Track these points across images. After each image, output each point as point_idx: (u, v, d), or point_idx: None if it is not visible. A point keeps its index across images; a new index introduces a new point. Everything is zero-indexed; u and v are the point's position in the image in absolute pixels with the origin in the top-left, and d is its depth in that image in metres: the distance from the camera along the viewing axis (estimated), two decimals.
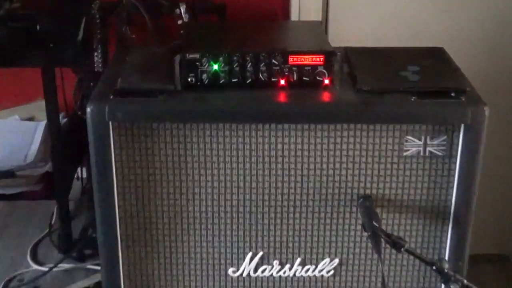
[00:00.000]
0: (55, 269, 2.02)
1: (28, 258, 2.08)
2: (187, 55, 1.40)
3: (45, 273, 2.01)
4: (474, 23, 1.98)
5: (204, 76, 1.41)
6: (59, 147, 2.00)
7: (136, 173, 1.45)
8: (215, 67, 1.41)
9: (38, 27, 1.80)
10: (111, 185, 1.44)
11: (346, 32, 1.98)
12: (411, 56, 1.56)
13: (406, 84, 1.43)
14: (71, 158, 2.05)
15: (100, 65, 1.95)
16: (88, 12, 1.88)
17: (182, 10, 1.88)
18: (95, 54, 1.91)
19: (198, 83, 1.41)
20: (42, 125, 2.22)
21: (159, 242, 1.49)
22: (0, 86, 2.22)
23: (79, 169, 2.22)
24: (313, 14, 1.96)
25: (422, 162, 1.43)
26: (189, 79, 1.41)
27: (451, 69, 1.52)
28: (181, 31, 1.74)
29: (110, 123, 1.39)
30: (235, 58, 1.41)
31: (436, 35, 1.98)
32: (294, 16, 2.01)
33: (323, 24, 1.95)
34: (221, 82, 1.42)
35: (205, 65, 1.40)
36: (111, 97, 1.39)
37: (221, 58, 1.40)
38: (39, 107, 2.14)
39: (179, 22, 1.90)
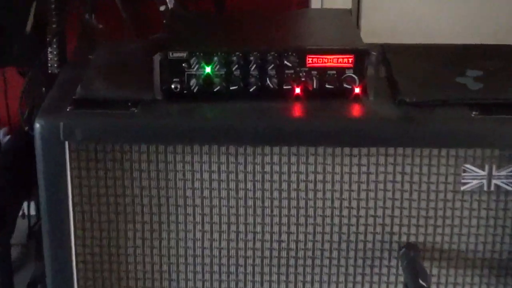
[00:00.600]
0: None
1: None
2: (171, 53, 1.38)
3: None
4: None
5: (193, 81, 1.39)
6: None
7: (101, 211, 1.43)
8: (208, 69, 1.38)
9: None
10: (66, 225, 1.42)
11: (384, 24, 1.97)
12: (472, 57, 1.55)
13: (465, 94, 1.41)
14: (14, 189, 2.03)
15: (55, 66, 1.93)
16: None
17: None
18: (49, 50, 1.90)
19: (185, 91, 1.39)
20: None
21: (121, 271, 1.47)
22: None
23: (25, 204, 2.20)
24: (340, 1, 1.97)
25: (486, 200, 1.41)
26: (172, 86, 1.39)
27: None
28: (164, 21, 1.72)
29: (67, 143, 1.37)
30: (234, 58, 1.39)
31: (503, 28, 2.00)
32: (314, 3, 2.01)
33: (354, 13, 1.94)
34: (215, 90, 1.39)
35: (195, 67, 1.38)
36: (68, 109, 1.37)
37: (215, 58, 1.38)
38: None
39: (162, 8, 1.88)
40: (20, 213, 2.18)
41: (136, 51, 1.54)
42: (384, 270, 1.45)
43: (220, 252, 1.46)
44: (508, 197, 1.40)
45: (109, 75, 1.49)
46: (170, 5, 1.89)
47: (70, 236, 1.42)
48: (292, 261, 1.45)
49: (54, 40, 1.89)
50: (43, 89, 1.90)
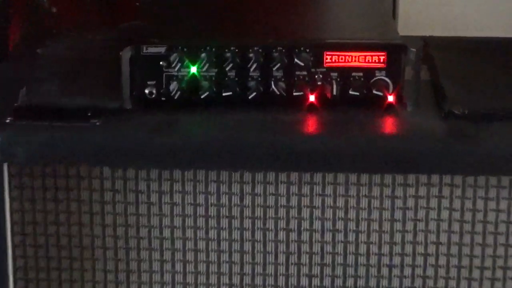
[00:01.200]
0: None
1: None
2: (145, 47, 1.38)
3: None
4: None
5: (174, 85, 1.39)
6: None
7: (49, 256, 1.43)
8: (193, 69, 1.38)
9: None
10: (3, 265, 1.42)
11: (429, 10, 1.92)
12: None
13: None
14: None
15: None
16: None
17: None
18: None
19: (163, 98, 1.39)
20: None
21: None
22: None
23: None
24: None
25: None
26: (147, 91, 1.39)
27: None
28: (137, 4, 1.73)
29: (6, 165, 1.37)
30: (228, 54, 1.39)
31: None
32: None
33: None
34: (203, 96, 1.39)
35: (176, 66, 1.38)
36: (7, 121, 1.36)
37: (203, 55, 1.38)
38: None
39: None
40: None
41: (99, 44, 1.54)
42: None
43: None
44: None
45: (63, 75, 1.47)
46: None
47: (8, 279, 1.43)
48: None
49: None
50: None
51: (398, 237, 1.43)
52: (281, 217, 1.42)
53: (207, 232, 1.43)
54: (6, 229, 1.39)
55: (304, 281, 1.45)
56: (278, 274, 1.45)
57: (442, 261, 1.44)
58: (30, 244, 1.43)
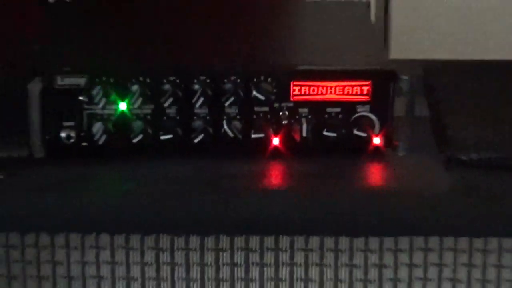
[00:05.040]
0: None
1: None
2: (59, 79, 1.21)
3: None
4: None
5: (98, 126, 1.22)
6: None
7: None
8: (122, 106, 1.22)
9: None
10: None
11: (427, 28, 1.83)
12: None
13: None
14: None
15: None
16: None
17: None
18: None
19: (84, 144, 1.23)
20: None
21: None
22: None
23: None
24: None
25: None
26: (63, 135, 1.22)
27: None
28: (49, 19, 1.57)
29: None
30: (167, 86, 1.22)
31: None
32: None
33: (379, 9, 1.82)
34: (134, 141, 1.22)
35: (100, 101, 1.22)
36: None
37: (135, 87, 1.21)
38: None
39: None
40: None
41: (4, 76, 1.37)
42: None
43: None
44: None
45: None
46: None
47: None
48: None
49: None
50: None
51: None
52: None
53: None
54: None
55: None
56: None
57: None
58: None
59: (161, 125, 1.26)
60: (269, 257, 1.25)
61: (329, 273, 1.27)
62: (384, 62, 1.33)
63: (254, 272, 1.27)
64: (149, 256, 1.27)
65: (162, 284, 1.28)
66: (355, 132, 1.26)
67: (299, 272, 1.27)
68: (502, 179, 1.24)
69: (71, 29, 1.48)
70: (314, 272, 1.28)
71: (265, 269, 1.27)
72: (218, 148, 1.27)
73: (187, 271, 1.28)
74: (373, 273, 1.27)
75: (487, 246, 1.24)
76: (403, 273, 1.27)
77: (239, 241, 1.25)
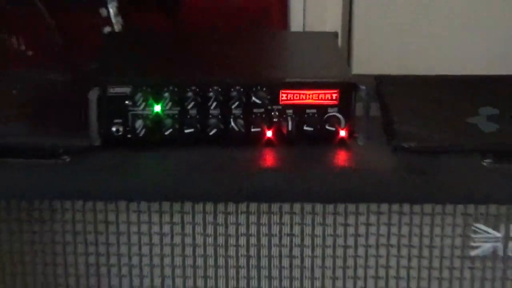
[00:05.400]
0: None
1: None
2: (111, 88, 1.30)
3: None
4: None
5: (139, 123, 1.31)
6: None
7: (24, 278, 1.36)
8: (157, 108, 1.31)
9: None
10: None
11: (380, 50, 1.93)
12: (485, 91, 1.52)
13: (476, 138, 1.36)
14: None
15: None
16: None
17: (112, 12, 1.75)
18: None
19: (129, 136, 1.32)
20: None
21: None
22: None
23: None
24: (328, 20, 1.94)
25: (501, 267, 1.35)
26: (113, 129, 1.31)
27: None
28: (104, 45, 1.62)
29: None
30: (190, 93, 1.31)
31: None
32: (295, 24, 1.96)
33: (344, 37, 1.89)
34: (166, 133, 1.32)
35: (141, 105, 1.31)
36: None
37: (166, 94, 1.30)
38: None
39: (106, 30, 1.78)
40: None
41: (68, 85, 1.47)
42: None
43: None
44: None
45: (32, 115, 1.40)
46: (117, 27, 1.78)
47: None
48: None
49: None
50: None
51: (350, 262, 1.38)
52: (241, 245, 1.36)
53: (172, 259, 1.37)
54: None
55: None
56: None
57: (393, 283, 1.39)
58: (8, 273, 1.37)
59: (185, 122, 1.33)
60: (264, 219, 1.33)
61: (307, 230, 1.34)
62: (348, 77, 1.39)
63: (253, 230, 1.34)
64: (176, 218, 1.35)
65: (186, 238, 1.36)
66: (327, 127, 1.34)
67: (286, 229, 1.34)
68: (434, 161, 1.33)
69: (120, 52, 1.54)
70: (297, 229, 1.35)
71: (261, 227, 1.34)
72: (227, 139, 1.34)
73: (204, 229, 1.36)
74: (340, 230, 1.35)
75: (423, 210, 1.33)
76: (362, 230, 1.35)
77: (242, 206, 1.33)
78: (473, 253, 1.35)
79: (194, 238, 1.36)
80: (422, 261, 1.35)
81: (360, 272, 1.38)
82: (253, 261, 1.38)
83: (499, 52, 2.05)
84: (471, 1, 2.07)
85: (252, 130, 1.33)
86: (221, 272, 1.39)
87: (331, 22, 1.93)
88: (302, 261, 1.38)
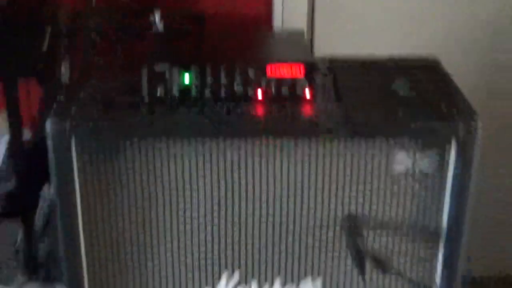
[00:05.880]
0: None
1: None
2: (155, 66, 1.37)
3: None
4: (467, 29, 1.97)
5: (174, 89, 1.38)
6: (23, 165, 1.99)
7: (102, 192, 1.40)
8: (186, 79, 1.38)
9: None
10: (74, 205, 1.39)
11: (333, 40, 1.95)
12: (402, 67, 1.54)
13: (394, 98, 1.41)
14: (36, 176, 1.98)
15: (67, 77, 1.89)
16: (54, 19, 1.85)
17: (157, 18, 1.81)
18: (62, 65, 1.87)
19: (168, 97, 1.38)
20: (4, 141, 2.20)
21: (127, 263, 1.45)
22: None
23: (45, 188, 2.07)
24: (298, 21, 1.93)
25: (411, 181, 1.40)
26: (157, 92, 1.38)
27: (444, 81, 1.50)
28: (152, 41, 1.71)
29: (73, 138, 1.34)
30: (208, 69, 1.38)
31: (430, 42, 1.96)
32: (277, 23, 1.97)
33: (308, 32, 1.93)
34: (192, 96, 1.38)
35: (175, 77, 1.37)
36: (73, 111, 1.36)
37: (193, 70, 1.37)
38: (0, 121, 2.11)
39: (152, 31, 1.83)
40: (41, 195, 2.07)
41: (130, 65, 1.52)
42: (330, 234, 1.43)
43: (205, 218, 1.42)
44: (429, 177, 1.39)
45: (107, 83, 1.46)
46: (159, 29, 1.82)
47: (77, 213, 1.39)
48: (256, 226, 1.43)
49: (66, 56, 1.88)
50: (58, 96, 1.83)
51: (312, 176, 1.38)
52: (242, 166, 1.38)
53: (197, 177, 1.38)
54: (75, 181, 1.37)
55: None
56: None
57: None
58: (90, 192, 1.39)
59: (205, 88, 1.39)
60: (256, 150, 1.37)
61: (288, 155, 1.37)
62: (311, 59, 1.49)
63: (243, 156, 1.37)
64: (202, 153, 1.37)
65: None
66: (297, 91, 1.40)
67: (268, 156, 1.37)
68: (367, 112, 1.37)
69: (164, 45, 1.61)
70: (279, 156, 1.38)
71: (245, 154, 1.37)
72: (232, 99, 1.39)
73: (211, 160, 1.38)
74: (307, 160, 1.38)
75: (360, 142, 1.36)
76: (320, 156, 1.37)
77: (242, 146, 1.37)
78: (393, 171, 1.38)
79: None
80: (360, 175, 1.38)
81: (320, 184, 1.39)
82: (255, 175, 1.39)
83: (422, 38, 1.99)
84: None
85: (249, 93, 1.39)
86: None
87: (301, 22, 1.94)
88: (281, 174, 1.39)
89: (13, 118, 1.92)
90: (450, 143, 1.36)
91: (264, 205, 1.41)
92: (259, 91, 1.40)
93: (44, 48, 1.81)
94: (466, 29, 1.95)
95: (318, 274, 1.45)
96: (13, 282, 2.01)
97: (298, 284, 1.46)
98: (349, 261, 1.43)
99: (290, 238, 1.43)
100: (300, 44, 1.58)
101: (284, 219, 1.42)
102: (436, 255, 1.44)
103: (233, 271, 1.45)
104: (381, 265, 1.33)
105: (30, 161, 2.01)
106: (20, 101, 1.93)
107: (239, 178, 1.40)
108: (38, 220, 2.10)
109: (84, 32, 1.86)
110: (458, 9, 1.96)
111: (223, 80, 1.39)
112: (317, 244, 1.43)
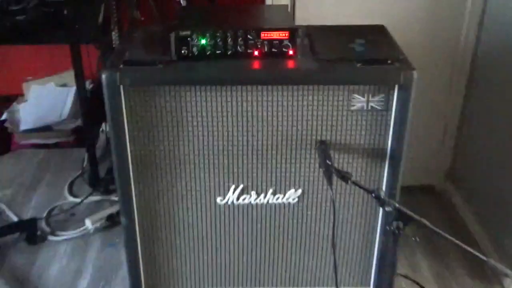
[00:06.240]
0: (86, 201, 2.05)
1: (66, 193, 2.11)
2: (180, 32, 1.36)
3: (79, 203, 2.04)
4: (408, 8, 1.88)
5: (194, 49, 1.38)
6: (87, 107, 2.00)
7: (143, 125, 1.41)
8: (203, 41, 1.37)
9: (65, 11, 1.78)
10: (123, 136, 1.40)
11: (310, 13, 1.88)
12: (359, 32, 1.52)
13: (353, 54, 1.41)
14: (96, 115, 2.03)
15: (116, 42, 1.93)
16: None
17: None
18: (112, 33, 1.90)
19: (190, 55, 1.38)
20: (73, 90, 2.23)
21: (162, 179, 1.46)
22: (37, 59, 2.22)
23: (103, 124, 2.20)
24: None
25: (366, 115, 1.41)
26: (182, 51, 1.37)
27: (389, 42, 1.49)
28: (178, 13, 1.67)
29: (122, 87, 1.35)
30: (218, 34, 1.37)
31: (380, 15, 1.80)
32: (268, 0, 1.93)
33: (291, 7, 1.86)
34: (207, 53, 1.39)
35: (195, 40, 1.37)
36: (121, 66, 1.35)
37: (207, 35, 1.37)
38: (70, 76, 2.13)
39: (179, 5, 1.82)
40: (100, 129, 2.21)
41: (161, 32, 1.49)
42: (308, 156, 1.44)
43: (218, 146, 1.43)
44: (378, 113, 1.40)
45: (145, 46, 1.45)
46: (183, 4, 1.84)
47: (126, 141, 1.41)
48: (255, 151, 1.43)
49: (115, 26, 1.89)
50: (109, 57, 1.86)
51: (295, 113, 1.39)
52: (245, 105, 1.38)
53: (212, 114, 1.38)
54: (123, 117, 1.37)
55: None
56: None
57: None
58: (134, 125, 1.39)
59: (216, 48, 1.38)
60: (254, 94, 1.38)
61: (277, 97, 1.38)
62: (293, 25, 1.43)
63: (244, 97, 1.38)
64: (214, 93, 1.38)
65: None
66: (283, 50, 1.39)
67: (264, 96, 1.38)
68: (335, 65, 1.36)
69: (186, 16, 1.54)
70: (268, 97, 1.39)
71: (246, 95, 1.38)
72: (236, 56, 1.39)
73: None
74: (290, 98, 1.38)
75: (329, 88, 1.36)
76: (300, 98, 1.38)
77: (243, 90, 1.38)
78: (352, 108, 1.40)
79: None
80: (329, 112, 1.40)
81: (298, 115, 1.39)
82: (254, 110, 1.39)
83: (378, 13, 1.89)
84: None
85: (248, 51, 1.39)
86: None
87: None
88: (272, 109, 1.38)
89: (78, 74, 1.94)
90: (394, 88, 1.37)
91: (260, 134, 1.42)
92: (256, 50, 1.39)
93: (100, 21, 1.82)
94: (405, 7, 1.87)
95: (299, 186, 1.47)
96: (81, 195, 2.05)
97: (284, 194, 1.48)
98: (321, 175, 1.45)
99: (278, 159, 1.44)
100: (285, 15, 1.54)
101: (274, 144, 1.43)
102: (383, 168, 1.45)
103: (238, 185, 1.47)
104: (344, 177, 1.33)
105: (91, 105, 2.02)
106: (83, 61, 1.94)
107: (242, 113, 1.41)
108: (99, 148, 2.19)
109: (129, 7, 1.86)
110: None
111: (230, 42, 1.38)
112: (297, 163, 1.45)
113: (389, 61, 1.38)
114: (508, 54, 1.73)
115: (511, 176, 1.73)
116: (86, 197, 2.05)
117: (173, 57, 1.38)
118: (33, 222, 1.88)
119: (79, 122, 2.21)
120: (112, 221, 1.94)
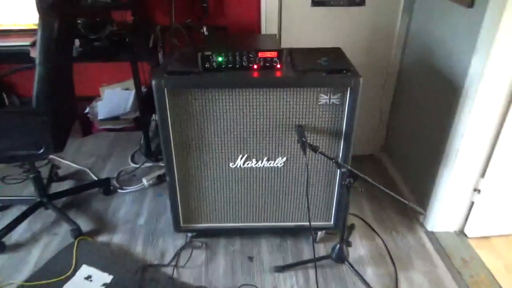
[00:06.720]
0: (142, 166, 2.03)
1: (129, 161, 2.09)
2: (205, 52, 1.34)
3: (137, 168, 2.02)
4: (356, 35, 1.83)
5: (214, 64, 1.35)
6: (142, 104, 1.97)
7: (181, 116, 1.39)
8: (220, 59, 1.35)
9: (127, 39, 1.76)
10: (167, 122, 1.39)
11: (291, 39, 1.84)
12: (324, 52, 1.50)
13: (320, 66, 1.38)
14: (149, 109, 2.00)
15: (161, 60, 1.88)
16: (154, 31, 1.82)
17: (204, 29, 1.78)
18: (159, 54, 1.85)
19: (211, 68, 1.36)
20: (133, 92, 2.20)
21: (193, 151, 1.44)
22: (108, 71, 2.18)
23: (154, 115, 2.17)
24: (273, 29, 1.81)
25: (328, 108, 1.39)
26: (206, 65, 1.35)
27: (344, 59, 1.46)
28: (203, 40, 1.66)
29: (165, 89, 1.33)
30: (230, 53, 1.35)
31: (338, 41, 1.85)
32: (263, 30, 1.87)
33: (278, 35, 1.83)
34: (223, 67, 1.36)
35: (214, 58, 1.35)
36: (165, 76, 1.33)
37: (223, 54, 1.35)
38: (131, 83, 2.12)
39: (203, 34, 1.78)
40: (152, 118, 2.18)
41: (191, 53, 1.47)
42: (290, 134, 1.41)
43: (230, 128, 1.39)
44: (337, 106, 1.37)
45: (180, 62, 1.41)
46: (206, 33, 1.79)
47: (169, 126, 1.37)
48: (255, 132, 1.40)
49: (160, 49, 1.83)
50: (157, 69, 1.75)
51: (282, 106, 1.34)
52: (248, 101, 1.35)
53: (227, 107, 1.34)
54: (167, 110, 1.34)
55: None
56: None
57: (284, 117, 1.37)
58: (174, 116, 1.36)
59: (229, 63, 1.35)
60: (254, 94, 1.35)
61: (268, 96, 1.36)
62: (280, 48, 1.36)
63: (249, 96, 1.35)
64: (228, 93, 1.34)
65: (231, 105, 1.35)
66: (273, 64, 1.36)
67: (262, 96, 1.35)
68: (309, 75, 1.31)
69: (210, 41, 1.48)
70: (264, 96, 1.36)
71: (250, 95, 1.35)
72: (242, 68, 1.36)
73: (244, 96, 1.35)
74: (278, 97, 1.35)
75: (305, 90, 1.32)
76: (285, 97, 1.34)
77: (247, 91, 1.35)
78: (320, 103, 1.37)
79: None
80: (304, 106, 1.36)
81: (284, 107, 1.35)
82: (255, 106, 1.35)
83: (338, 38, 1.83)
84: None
85: (250, 65, 1.36)
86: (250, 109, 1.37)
87: (274, 29, 1.81)
88: (266, 104, 1.35)
89: (136, 82, 1.89)
90: (347, 89, 1.35)
91: (258, 120, 1.40)
92: (255, 65, 1.37)
93: (150, 45, 1.77)
94: (354, 34, 1.83)
95: (284, 155, 1.45)
96: (139, 162, 2.02)
97: (275, 160, 1.45)
98: (298, 148, 1.43)
99: (270, 137, 1.42)
100: (274, 41, 1.49)
101: (267, 127, 1.40)
102: (339, 143, 1.43)
103: (244, 154, 1.44)
104: (314, 149, 1.31)
105: (145, 102, 1.99)
106: (139, 73, 1.90)
107: (246, 107, 1.38)
108: (151, 131, 2.15)
109: (169, 36, 1.82)
110: (351, 23, 1.85)
111: (238, 59, 1.36)
112: (283, 139, 1.43)
113: (344, 71, 1.36)
114: (422, 64, 1.72)
115: (424, 148, 1.73)
116: (142, 164, 2.04)
117: (200, 69, 1.36)
118: (107, 180, 1.88)
119: (137, 114, 2.19)
120: (160, 179, 1.93)
